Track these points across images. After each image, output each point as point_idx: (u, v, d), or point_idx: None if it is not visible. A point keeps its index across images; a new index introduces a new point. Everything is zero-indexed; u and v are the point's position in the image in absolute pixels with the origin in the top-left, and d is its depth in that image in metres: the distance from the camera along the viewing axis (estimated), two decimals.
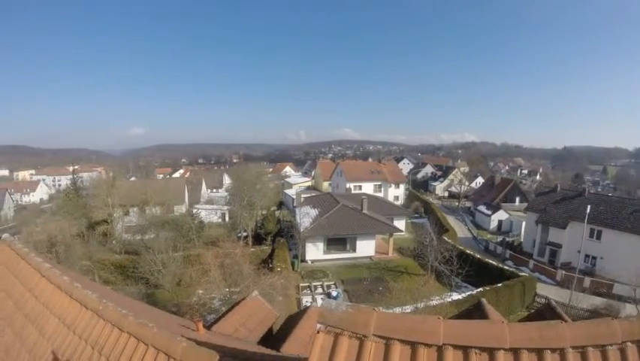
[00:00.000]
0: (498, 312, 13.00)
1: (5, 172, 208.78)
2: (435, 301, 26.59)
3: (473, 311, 12.31)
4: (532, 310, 22.59)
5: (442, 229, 54.45)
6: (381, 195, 75.46)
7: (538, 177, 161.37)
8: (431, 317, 3.28)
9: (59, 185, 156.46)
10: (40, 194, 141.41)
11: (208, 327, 8.62)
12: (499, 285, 32.57)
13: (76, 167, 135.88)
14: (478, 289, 31.96)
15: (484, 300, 12.63)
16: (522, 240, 57.90)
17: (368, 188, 78.54)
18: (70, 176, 64.18)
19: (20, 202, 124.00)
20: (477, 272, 35.56)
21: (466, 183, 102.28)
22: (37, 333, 6.09)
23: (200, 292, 29.05)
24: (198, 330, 6.76)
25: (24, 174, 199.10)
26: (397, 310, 23.79)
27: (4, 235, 9.10)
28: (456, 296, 30.84)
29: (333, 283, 37.39)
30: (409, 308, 24.57)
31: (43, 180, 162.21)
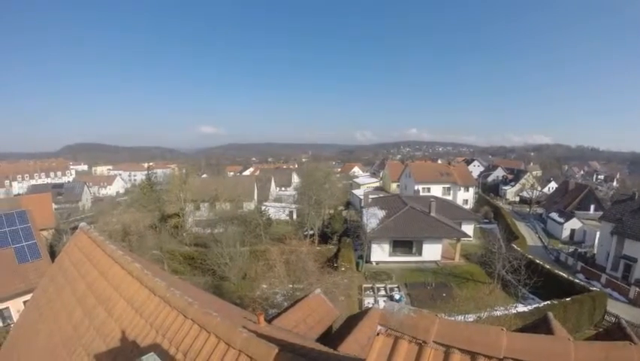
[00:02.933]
0: (564, 328, 12.40)
1: (84, 167, 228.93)
2: (499, 312, 25.63)
3: (538, 325, 11.86)
4: (601, 329, 21.06)
5: (512, 236, 51.65)
6: (450, 198, 73.18)
7: (615, 183, 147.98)
8: (494, 328, 3.20)
9: (134, 180, 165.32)
10: (116, 188, 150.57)
11: (269, 321, 8.83)
12: (568, 299, 30.38)
13: (150, 163, 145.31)
14: (545, 302, 30.12)
15: (550, 314, 12.12)
16: (595, 251, 53.46)
17: (437, 190, 76.78)
18: (145, 172, 67.89)
19: (97, 195, 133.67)
20: (545, 284, 33.46)
21: (539, 188, 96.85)
22: (106, 314, 6.69)
23: (264, 286, 29.90)
24: (259, 323, 6.99)
25: (102, 169, 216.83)
26: (460, 318, 23.11)
27: (82, 224, 10.24)
28: (521, 308, 29.28)
29: (396, 285, 36.95)
30: (471, 317, 23.89)
31: (120, 175, 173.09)
